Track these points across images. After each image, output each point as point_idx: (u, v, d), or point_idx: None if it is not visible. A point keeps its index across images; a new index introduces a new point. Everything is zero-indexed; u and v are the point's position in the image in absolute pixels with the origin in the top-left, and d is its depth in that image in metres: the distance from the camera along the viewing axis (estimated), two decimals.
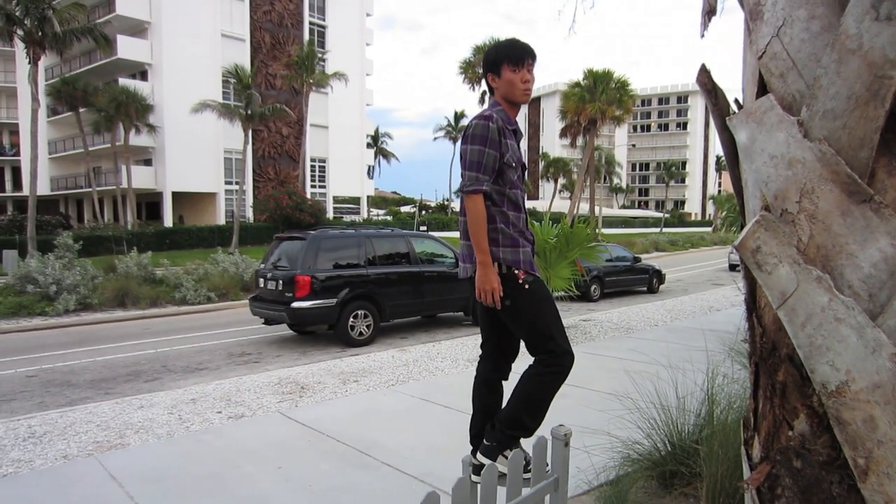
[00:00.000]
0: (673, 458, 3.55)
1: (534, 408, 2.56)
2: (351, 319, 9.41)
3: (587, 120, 34.09)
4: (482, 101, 28.80)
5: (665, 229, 59.22)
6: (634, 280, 17.20)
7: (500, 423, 2.62)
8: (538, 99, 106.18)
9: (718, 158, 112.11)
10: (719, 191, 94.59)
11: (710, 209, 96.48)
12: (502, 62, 2.64)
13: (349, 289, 9.46)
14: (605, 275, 15.74)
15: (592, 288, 15.25)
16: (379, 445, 4.55)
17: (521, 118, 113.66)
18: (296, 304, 9.06)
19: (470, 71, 27.77)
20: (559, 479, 2.35)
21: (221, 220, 39.99)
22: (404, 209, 71.50)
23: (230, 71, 30.78)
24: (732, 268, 25.69)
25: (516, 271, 2.55)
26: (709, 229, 68.78)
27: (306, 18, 45.18)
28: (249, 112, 29.53)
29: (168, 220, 38.40)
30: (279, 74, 39.56)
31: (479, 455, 2.63)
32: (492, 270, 2.49)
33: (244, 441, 4.78)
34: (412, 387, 6.38)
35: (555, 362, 2.53)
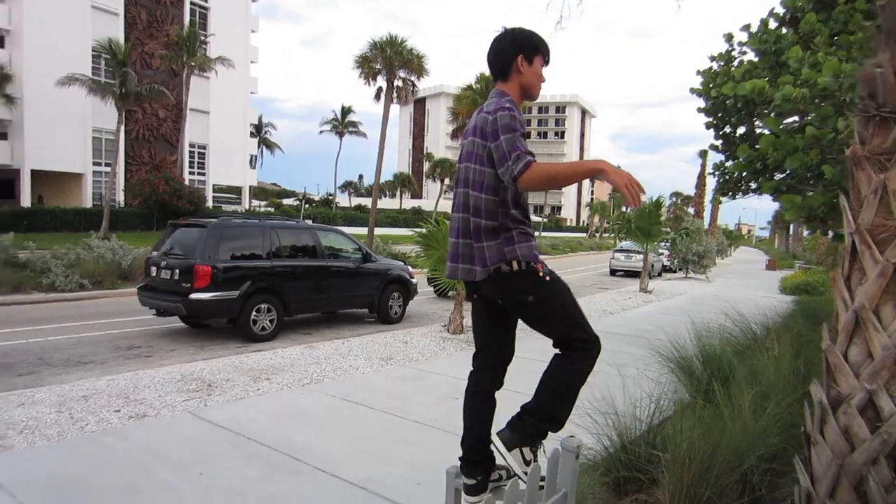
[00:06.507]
0: (628, 464, 3.51)
1: (566, 398, 2.49)
2: (254, 313, 8.87)
3: None
4: (378, 96, 27.96)
5: (544, 233, 61.45)
6: None
7: (531, 416, 2.50)
8: (423, 100, 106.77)
9: None
10: (592, 199, 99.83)
11: (584, 216, 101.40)
12: (539, 52, 2.58)
13: (252, 281, 8.90)
14: None
15: None
16: (306, 449, 4.28)
17: (407, 118, 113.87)
18: (195, 296, 8.39)
19: (367, 66, 26.84)
20: (567, 493, 2.26)
21: (88, 202, 36.68)
22: (286, 202, 69.32)
23: (102, 45, 28.29)
24: (613, 272, 26.93)
25: (535, 265, 2.45)
26: (584, 235, 72.31)
27: None
28: (124, 91, 27.31)
29: (26, 200, 34.68)
30: (157, 54, 36.85)
31: (497, 443, 2.48)
32: (612, 167, 2.23)
33: (153, 444, 4.33)
34: (329, 386, 6.10)
35: (587, 348, 2.47)
